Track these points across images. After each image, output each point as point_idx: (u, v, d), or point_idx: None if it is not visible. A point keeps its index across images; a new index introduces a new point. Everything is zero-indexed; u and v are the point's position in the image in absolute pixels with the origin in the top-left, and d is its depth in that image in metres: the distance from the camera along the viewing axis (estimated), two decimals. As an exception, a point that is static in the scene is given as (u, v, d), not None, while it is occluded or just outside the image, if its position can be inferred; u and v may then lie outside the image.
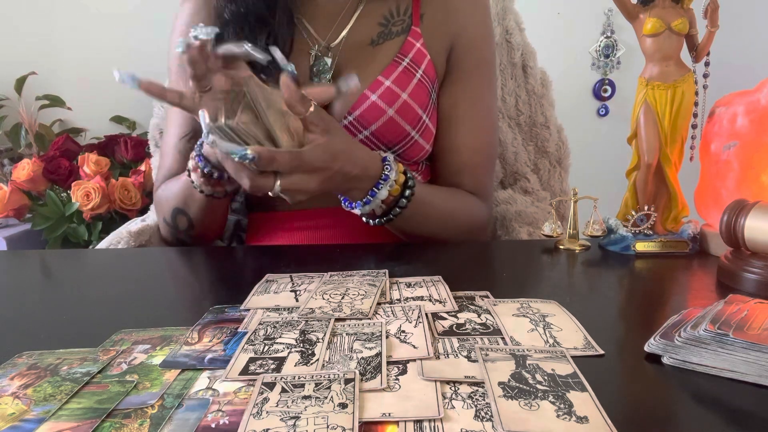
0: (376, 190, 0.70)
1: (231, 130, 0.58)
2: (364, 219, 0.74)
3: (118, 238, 0.88)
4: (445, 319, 0.50)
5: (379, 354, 0.43)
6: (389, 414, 0.36)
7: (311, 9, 0.84)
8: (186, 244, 0.86)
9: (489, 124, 0.89)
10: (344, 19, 0.84)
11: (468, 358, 0.43)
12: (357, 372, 0.40)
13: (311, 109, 0.61)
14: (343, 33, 0.83)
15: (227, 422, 0.36)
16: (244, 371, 0.41)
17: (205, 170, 0.71)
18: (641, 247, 0.71)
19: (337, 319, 0.50)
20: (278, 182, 0.61)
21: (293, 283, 0.60)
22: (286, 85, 0.59)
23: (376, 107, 0.79)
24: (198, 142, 0.73)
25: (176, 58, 0.87)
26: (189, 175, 0.74)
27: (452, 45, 0.85)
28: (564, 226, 0.75)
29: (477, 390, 0.39)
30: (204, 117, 0.57)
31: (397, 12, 0.84)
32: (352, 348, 0.45)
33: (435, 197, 0.80)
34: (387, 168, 0.70)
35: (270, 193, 0.62)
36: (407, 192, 0.72)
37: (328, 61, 0.81)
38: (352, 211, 0.73)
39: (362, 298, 0.54)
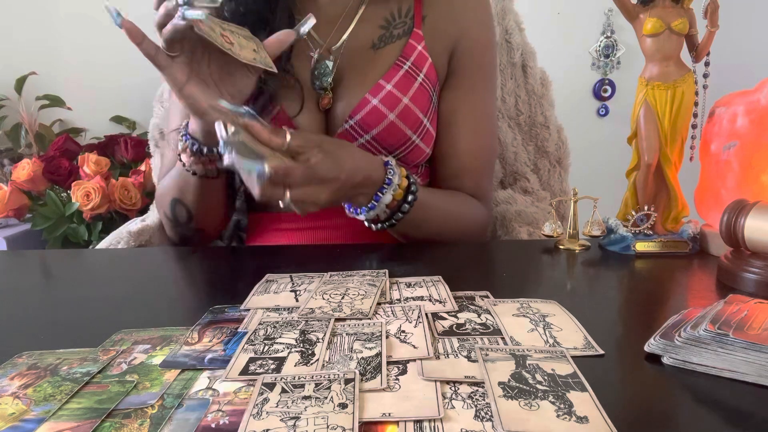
0: (380, 194, 0.70)
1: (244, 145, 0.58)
2: (367, 224, 0.74)
3: (118, 238, 0.89)
4: (445, 319, 0.50)
5: (379, 354, 0.43)
6: (389, 414, 0.36)
7: (312, 11, 0.84)
8: (189, 242, 0.86)
9: (489, 129, 0.90)
10: (345, 22, 0.83)
11: (468, 358, 0.43)
12: (357, 372, 0.40)
13: (288, 138, 0.61)
14: (344, 36, 0.82)
15: (227, 422, 0.36)
16: (244, 371, 0.41)
17: (194, 148, 0.71)
18: (641, 247, 0.71)
19: (337, 319, 0.50)
20: (288, 193, 0.61)
21: (293, 283, 0.60)
22: (251, 127, 0.59)
23: (377, 111, 0.79)
24: (183, 122, 0.73)
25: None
26: (180, 159, 0.75)
27: (454, 48, 0.85)
28: (564, 226, 0.75)
29: (477, 390, 0.39)
30: (221, 129, 0.57)
31: (398, 14, 0.84)
32: (352, 348, 0.45)
33: (437, 200, 0.80)
34: (390, 172, 0.71)
35: (281, 204, 0.62)
36: (410, 197, 0.72)
37: (329, 63, 0.81)
38: (357, 217, 0.73)
39: (362, 298, 0.54)
